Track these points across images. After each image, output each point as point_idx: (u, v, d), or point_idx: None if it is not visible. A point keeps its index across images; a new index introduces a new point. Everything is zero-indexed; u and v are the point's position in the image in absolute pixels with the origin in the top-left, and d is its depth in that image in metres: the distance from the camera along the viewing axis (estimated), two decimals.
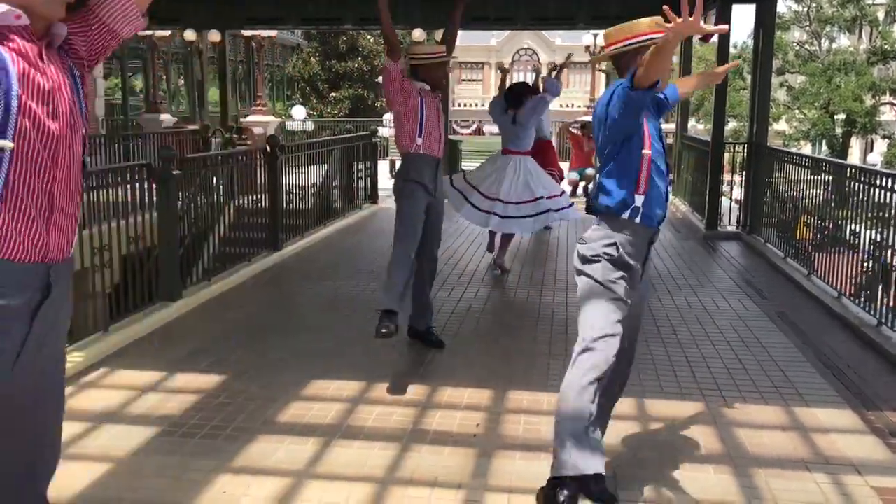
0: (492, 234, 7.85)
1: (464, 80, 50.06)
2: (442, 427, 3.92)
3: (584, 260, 3.13)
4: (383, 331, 4.55)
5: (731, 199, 10.95)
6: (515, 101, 7.34)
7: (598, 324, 3.06)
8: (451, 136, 14.69)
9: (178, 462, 3.50)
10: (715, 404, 4.24)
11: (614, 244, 3.06)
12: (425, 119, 4.82)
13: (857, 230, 6.37)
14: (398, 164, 5.13)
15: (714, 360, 4.99)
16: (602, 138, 3.09)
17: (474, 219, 7.02)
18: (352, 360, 4.85)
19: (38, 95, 1.88)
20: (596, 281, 3.07)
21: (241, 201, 8.32)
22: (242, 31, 19.08)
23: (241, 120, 18.12)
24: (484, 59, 49.83)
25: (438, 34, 13.13)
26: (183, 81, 23.12)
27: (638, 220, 3.05)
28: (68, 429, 3.80)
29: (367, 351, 5.05)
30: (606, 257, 3.06)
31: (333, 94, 32.05)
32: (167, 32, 17.96)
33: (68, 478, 3.32)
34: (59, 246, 2.01)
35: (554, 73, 7.99)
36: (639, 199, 3.03)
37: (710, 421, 4.02)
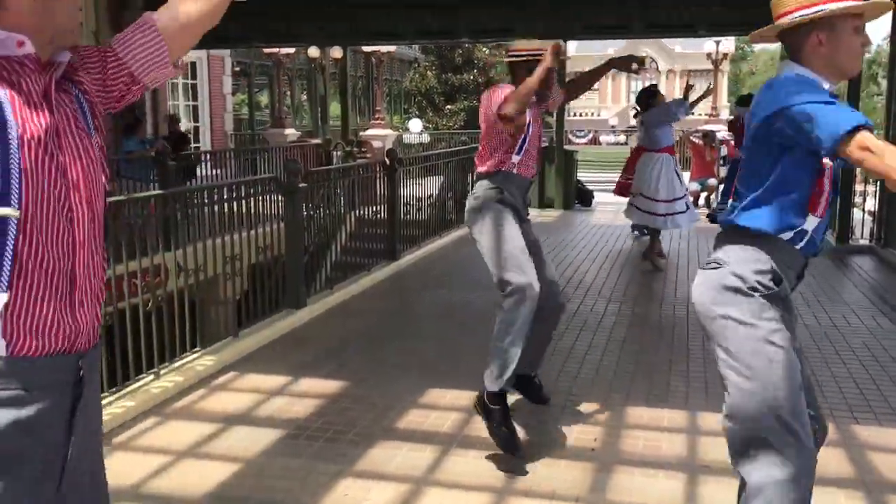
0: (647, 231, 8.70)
1: None
2: (559, 440, 3.91)
3: (727, 290, 2.27)
4: (501, 436, 3.65)
5: (863, 210, 10.41)
6: (641, 103, 8.24)
7: (783, 403, 2.20)
8: (566, 147, 14.59)
9: (303, 464, 3.63)
10: (846, 426, 4.05)
11: (770, 270, 2.25)
12: (530, 135, 3.89)
13: None
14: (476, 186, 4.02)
15: (845, 379, 4.76)
16: (757, 145, 2.28)
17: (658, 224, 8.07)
18: (467, 369, 4.90)
19: (47, 145, 1.46)
20: (749, 325, 2.23)
21: (361, 212, 8.57)
22: (362, 48, 19.60)
23: (361, 133, 18.61)
24: None
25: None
26: (306, 97, 23.95)
27: (801, 245, 2.27)
28: (200, 429, 4.04)
29: (482, 361, 5.07)
30: (762, 289, 2.24)
31: (449, 106, 32.45)
32: (292, 50, 18.70)
33: (199, 476, 3.52)
34: (87, 328, 1.58)
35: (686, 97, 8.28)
36: (811, 222, 2.25)
37: (841, 443, 3.84)
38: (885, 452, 3.74)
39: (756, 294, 2.23)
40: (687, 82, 8.44)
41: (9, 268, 1.43)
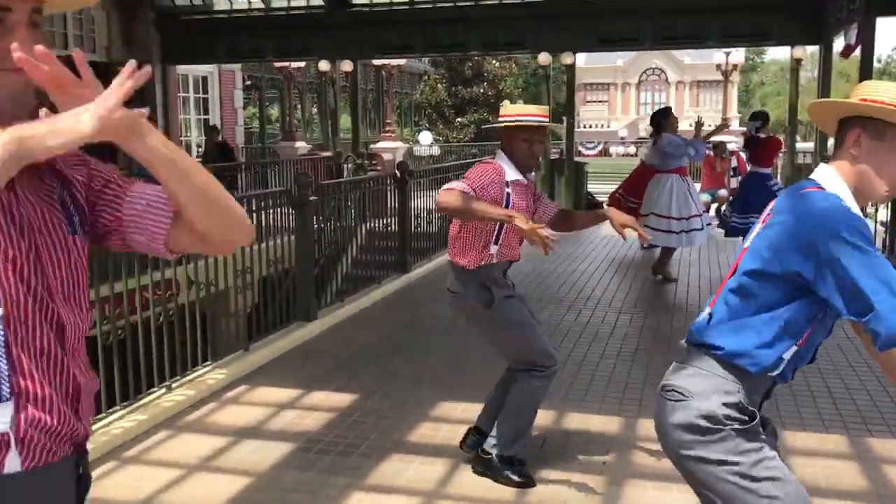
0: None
1: (589, 102, 49.72)
2: (570, 453, 3.89)
3: (695, 430, 1.91)
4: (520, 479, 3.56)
5: (875, 220, 10.36)
6: (654, 123, 8.16)
7: None
8: (576, 159, 14.60)
9: (314, 478, 3.64)
10: (859, 438, 4.02)
11: (737, 403, 1.91)
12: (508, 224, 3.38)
13: None
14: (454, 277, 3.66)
15: (858, 391, 4.73)
16: (775, 279, 1.87)
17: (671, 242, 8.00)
18: (478, 382, 4.89)
19: (18, 243, 1.26)
20: (726, 463, 1.89)
21: (371, 225, 8.59)
22: (373, 61, 19.67)
23: (372, 146, 18.65)
24: (610, 79, 49.34)
25: (566, 57, 13.17)
26: (316, 110, 24.05)
27: (777, 372, 1.92)
28: (211, 443, 4.05)
29: (492, 374, 5.06)
30: (733, 424, 1.89)
31: (459, 119, 32.57)
32: (302, 63, 18.78)
33: (210, 490, 3.53)
34: (87, 423, 1.43)
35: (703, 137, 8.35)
36: (790, 351, 1.90)
37: (854, 455, 3.81)
38: None
39: (726, 429, 1.89)
40: (697, 121, 8.44)
41: (6, 372, 1.26)
